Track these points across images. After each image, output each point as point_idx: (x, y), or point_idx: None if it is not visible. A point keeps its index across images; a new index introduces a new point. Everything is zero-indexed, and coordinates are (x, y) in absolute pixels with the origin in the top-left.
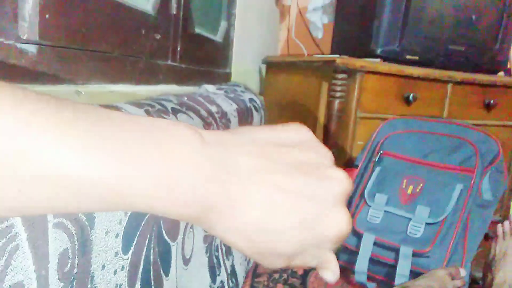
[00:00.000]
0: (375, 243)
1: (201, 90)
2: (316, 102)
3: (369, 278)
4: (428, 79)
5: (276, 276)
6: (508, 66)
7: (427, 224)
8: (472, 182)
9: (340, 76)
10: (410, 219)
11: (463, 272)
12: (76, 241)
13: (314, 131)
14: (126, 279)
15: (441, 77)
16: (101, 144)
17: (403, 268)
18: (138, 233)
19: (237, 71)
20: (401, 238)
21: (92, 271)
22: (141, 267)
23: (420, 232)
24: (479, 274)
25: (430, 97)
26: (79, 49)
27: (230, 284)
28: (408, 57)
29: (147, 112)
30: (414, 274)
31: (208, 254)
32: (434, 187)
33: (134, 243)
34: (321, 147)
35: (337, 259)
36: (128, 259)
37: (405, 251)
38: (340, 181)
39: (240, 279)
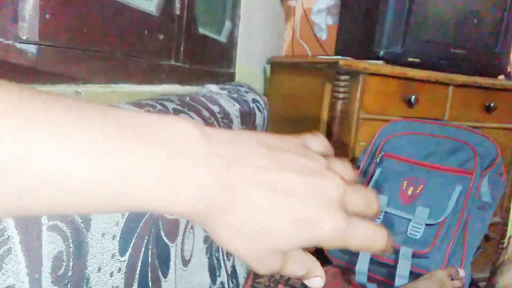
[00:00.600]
0: None
1: (204, 90)
2: (319, 103)
3: (370, 278)
4: (430, 81)
5: (277, 276)
6: (509, 69)
7: (426, 225)
8: (471, 184)
9: (343, 77)
10: (410, 220)
11: (462, 273)
12: (71, 244)
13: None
14: (123, 281)
15: (442, 79)
16: (101, 146)
17: (403, 269)
18: (135, 234)
19: (241, 71)
20: (401, 239)
21: (87, 274)
22: (139, 268)
23: (420, 233)
24: (478, 275)
25: (431, 99)
26: (79, 49)
27: (231, 285)
28: (410, 59)
29: None
30: (414, 275)
31: (208, 255)
32: (434, 188)
33: (131, 245)
34: (317, 156)
35: (338, 260)
36: (125, 261)
37: (405, 251)
38: (337, 185)
39: (241, 280)
